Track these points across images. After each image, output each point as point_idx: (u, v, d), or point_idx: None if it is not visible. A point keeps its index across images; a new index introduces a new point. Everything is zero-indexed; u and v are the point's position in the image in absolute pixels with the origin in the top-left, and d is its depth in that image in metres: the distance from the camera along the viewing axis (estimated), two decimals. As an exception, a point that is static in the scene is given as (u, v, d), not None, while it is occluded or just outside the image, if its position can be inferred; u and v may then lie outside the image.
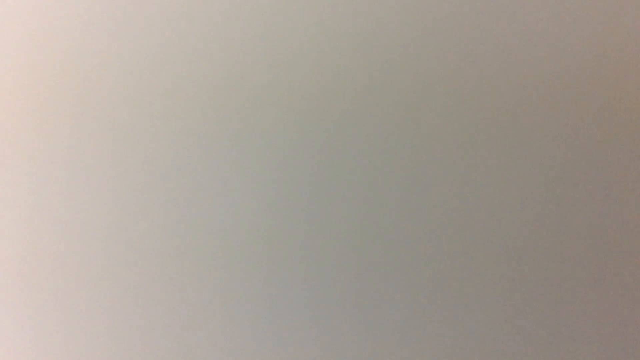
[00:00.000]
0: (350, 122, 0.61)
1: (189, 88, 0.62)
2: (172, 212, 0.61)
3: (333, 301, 0.61)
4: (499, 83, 0.62)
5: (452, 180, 0.61)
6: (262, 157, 0.61)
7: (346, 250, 0.61)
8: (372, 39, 0.62)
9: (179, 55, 0.62)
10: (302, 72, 0.62)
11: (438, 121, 0.61)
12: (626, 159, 0.61)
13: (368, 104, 0.61)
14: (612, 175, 0.61)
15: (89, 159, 0.61)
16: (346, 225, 0.61)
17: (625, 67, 0.61)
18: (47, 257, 0.62)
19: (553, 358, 0.61)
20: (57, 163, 0.62)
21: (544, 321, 0.61)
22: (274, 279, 0.61)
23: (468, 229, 0.61)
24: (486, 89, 0.62)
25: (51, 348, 0.62)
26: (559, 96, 0.62)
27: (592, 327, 0.61)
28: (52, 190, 0.62)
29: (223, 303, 0.61)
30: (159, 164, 0.61)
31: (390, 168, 0.61)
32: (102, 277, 0.61)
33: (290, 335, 0.61)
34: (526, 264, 0.61)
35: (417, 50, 0.62)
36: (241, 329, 0.61)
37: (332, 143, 0.61)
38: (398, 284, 0.61)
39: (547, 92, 0.62)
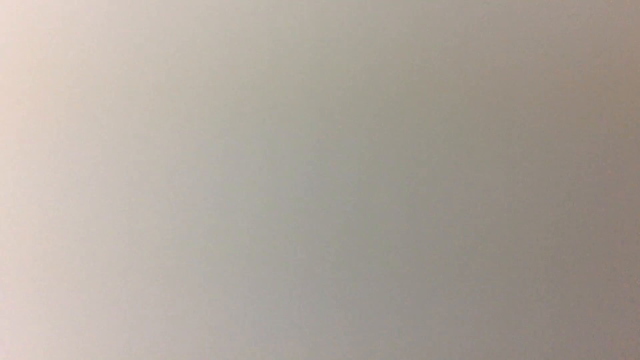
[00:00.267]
0: (350, 121, 0.61)
1: (189, 86, 0.62)
2: (170, 211, 0.61)
3: (331, 301, 0.61)
4: (498, 83, 0.62)
5: (452, 180, 0.61)
6: (261, 156, 0.61)
7: (345, 250, 0.61)
8: (372, 38, 0.62)
9: (179, 53, 0.62)
10: (302, 71, 0.62)
11: (438, 120, 0.61)
12: (626, 159, 0.61)
13: (367, 103, 0.61)
14: (613, 175, 0.61)
15: (88, 158, 0.61)
16: (345, 224, 0.61)
17: (625, 67, 0.61)
18: (47, 257, 0.62)
19: (553, 358, 0.61)
20: (56, 162, 0.62)
21: (544, 321, 0.61)
22: (271, 278, 0.61)
23: (467, 228, 0.61)
24: (486, 88, 0.62)
25: (51, 348, 0.62)
26: (559, 96, 0.62)
27: (592, 327, 0.61)
28: (52, 190, 0.62)
29: (221, 302, 0.61)
30: (157, 163, 0.61)
31: (389, 168, 0.61)
32: (100, 275, 0.61)
33: (289, 335, 0.61)
34: (526, 263, 0.61)
35: (416, 49, 0.62)
36: (240, 329, 0.61)
37: (331, 143, 0.61)
38: (398, 283, 0.61)
39: (547, 92, 0.62)
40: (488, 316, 0.61)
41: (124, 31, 0.62)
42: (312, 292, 0.61)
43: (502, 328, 0.61)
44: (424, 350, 0.61)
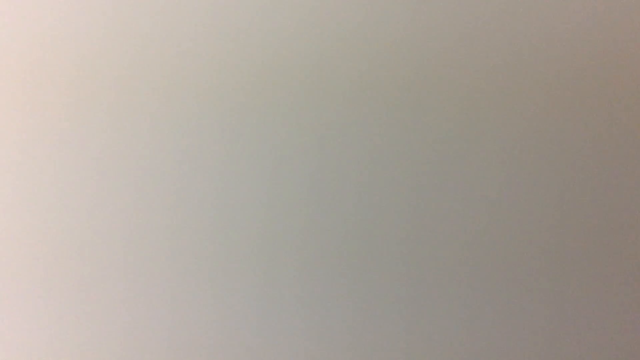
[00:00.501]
0: (350, 121, 0.61)
1: (189, 84, 0.62)
2: (170, 210, 0.61)
3: (331, 300, 0.61)
4: (498, 82, 0.62)
5: (452, 179, 0.61)
6: (261, 155, 0.61)
7: (345, 249, 0.61)
8: (371, 37, 0.62)
9: (179, 51, 0.62)
10: (302, 70, 0.62)
11: (439, 120, 0.61)
12: (626, 159, 0.61)
13: (368, 102, 0.61)
14: (612, 175, 0.61)
15: (87, 157, 0.61)
16: (345, 223, 0.61)
17: (625, 67, 0.61)
18: (46, 256, 0.62)
19: (553, 358, 0.61)
20: (56, 161, 0.61)
21: (544, 321, 0.61)
22: (271, 278, 0.61)
23: (467, 227, 0.61)
24: (486, 88, 0.61)
25: (51, 347, 0.62)
26: (559, 96, 0.61)
27: (592, 327, 0.61)
28: (51, 189, 0.62)
29: (221, 301, 0.61)
30: (157, 162, 0.61)
31: (389, 167, 0.61)
32: (101, 275, 0.61)
33: (288, 334, 0.61)
34: (526, 264, 0.61)
35: (416, 49, 0.62)
36: (240, 328, 0.61)
37: (331, 142, 0.61)
38: (398, 283, 0.61)
39: (548, 91, 0.61)
40: (493, 315, 0.61)
41: (124, 30, 0.62)
42: (312, 292, 0.61)
43: (504, 328, 0.61)
44: (427, 350, 0.61)
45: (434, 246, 0.61)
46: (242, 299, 0.61)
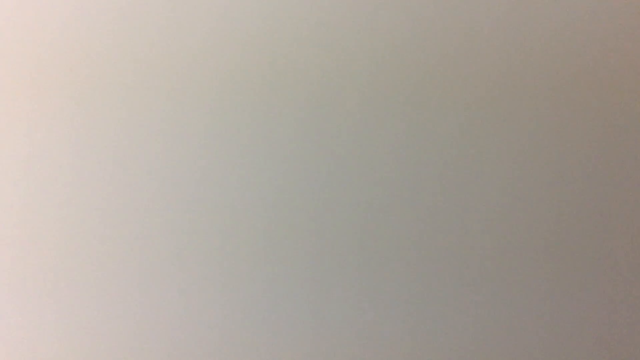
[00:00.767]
0: (350, 120, 0.61)
1: (189, 83, 0.62)
2: (170, 209, 0.61)
3: (333, 300, 0.61)
4: (498, 82, 0.62)
5: (456, 180, 0.61)
6: (263, 154, 0.61)
7: (350, 248, 0.61)
8: (372, 36, 0.62)
9: (179, 49, 0.62)
10: (302, 70, 0.62)
11: (440, 119, 0.61)
12: (626, 159, 0.61)
13: (368, 101, 0.61)
14: (612, 175, 0.61)
15: (86, 156, 0.61)
16: (345, 223, 0.61)
17: (625, 67, 0.62)
18: (46, 255, 0.61)
19: (553, 358, 0.61)
20: (55, 160, 0.61)
21: (544, 321, 0.61)
22: (273, 277, 0.61)
23: (468, 227, 0.61)
24: (485, 88, 0.62)
25: (52, 347, 0.61)
26: (558, 96, 0.62)
27: (592, 327, 0.61)
28: (51, 188, 0.61)
29: (222, 300, 0.61)
30: (160, 161, 0.61)
31: (393, 166, 0.61)
32: (100, 273, 0.61)
33: (289, 334, 0.61)
34: (526, 264, 0.61)
35: (416, 48, 0.62)
36: (240, 328, 0.61)
37: (332, 142, 0.61)
38: (403, 282, 0.61)
39: (548, 91, 0.62)
40: (496, 315, 0.61)
41: (125, 29, 0.62)
42: (313, 291, 0.61)
43: (505, 328, 0.61)
44: (430, 348, 0.61)
45: (439, 245, 0.61)
46: (245, 298, 0.61)
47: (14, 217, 0.61)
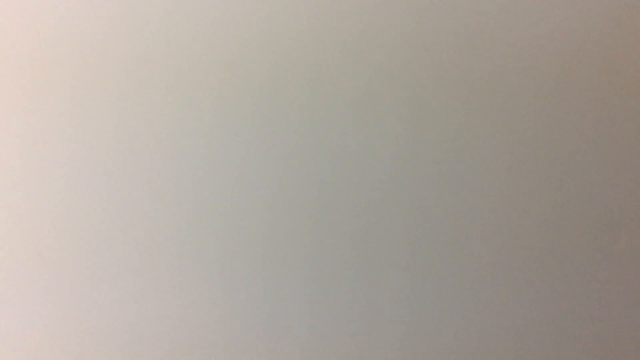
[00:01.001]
0: (349, 120, 0.61)
1: (189, 82, 0.62)
2: (170, 209, 0.61)
3: (332, 300, 0.61)
4: (498, 82, 0.62)
5: (452, 179, 0.61)
6: (262, 154, 0.61)
7: (345, 248, 0.61)
8: (372, 36, 0.62)
9: (179, 49, 0.62)
10: (302, 70, 0.62)
11: (438, 119, 0.61)
12: (627, 159, 0.61)
13: (368, 101, 0.61)
14: (613, 174, 0.61)
15: (86, 156, 0.61)
16: (345, 223, 0.61)
17: (625, 67, 0.62)
18: (45, 255, 0.61)
19: (553, 358, 0.61)
20: (55, 160, 0.61)
21: (544, 321, 0.61)
22: (272, 277, 0.61)
23: (467, 227, 0.61)
24: (485, 88, 0.62)
25: (51, 347, 0.61)
26: (558, 95, 0.62)
27: (592, 327, 0.61)
28: (51, 188, 0.61)
29: (222, 300, 0.61)
30: (156, 161, 0.61)
31: (388, 167, 0.61)
32: (99, 273, 0.61)
33: (289, 334, 0.61)
34: (525, 263, 0.61)
35: (416, 48, 0.62)
36: (240, 328, 0.61)
37: (331, 142, 0.61)
38: (403, 282, 0.61)
39: (547, 91, 0.62)
40: (495, 315, 0.61)
41: (125, 29, 0.62)
42: (316, 290, 0.61)
43: (505, 328, 0.61)
44: (430, 348, 0.61)
45: (438, 245, 0.61)
46: (245, 298, 0.61)
47: (14, 217, 0.61)
